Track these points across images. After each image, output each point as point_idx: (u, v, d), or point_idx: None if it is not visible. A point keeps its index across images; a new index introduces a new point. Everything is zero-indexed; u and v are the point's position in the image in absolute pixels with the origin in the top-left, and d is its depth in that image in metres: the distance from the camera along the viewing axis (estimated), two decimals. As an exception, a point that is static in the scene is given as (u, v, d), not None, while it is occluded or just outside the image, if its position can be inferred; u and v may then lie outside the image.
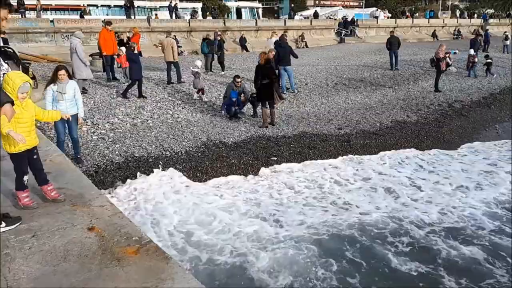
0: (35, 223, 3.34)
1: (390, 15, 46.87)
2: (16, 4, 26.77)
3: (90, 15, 31.42)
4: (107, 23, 13.38)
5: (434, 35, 38.06)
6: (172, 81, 13.20)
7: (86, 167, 6.96)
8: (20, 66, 9.46)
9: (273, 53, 11.31)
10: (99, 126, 8.95)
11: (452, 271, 4.73)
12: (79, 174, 4.68)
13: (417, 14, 51.14)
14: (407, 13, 48.20)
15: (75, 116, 6.66)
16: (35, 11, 25.19)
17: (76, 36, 10.94)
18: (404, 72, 17.71)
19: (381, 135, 9.73)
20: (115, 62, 13.69)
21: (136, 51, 11.46)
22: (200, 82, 11.99)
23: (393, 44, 17.94)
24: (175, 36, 24.29)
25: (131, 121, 9.51)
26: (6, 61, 10.27)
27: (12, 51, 9.62)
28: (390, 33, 19.38)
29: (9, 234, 3.16)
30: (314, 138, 9.29)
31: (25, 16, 23.88)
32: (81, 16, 27.28)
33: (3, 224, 3.26)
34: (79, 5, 32.99)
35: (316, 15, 40.79)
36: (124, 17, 27.27)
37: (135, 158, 7.56)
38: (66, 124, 6.66)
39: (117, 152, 7.71)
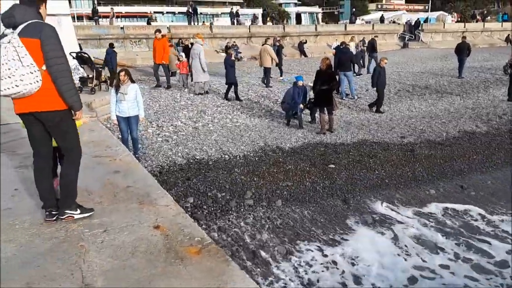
0: (106, 219, 3.55)
1: (458, 18, 44.33)
2: (90, 12, 28.95)
3: (156, 21, 33.05)
4: (156, 31, 13.18)
5: (508, 40, 35.43)
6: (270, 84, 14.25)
7: (151, 167, 7.30)
8: (94, 70, 10.18)
9: (385, 61, 11.66)
10: (163, 129, 9.36)
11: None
12: (145, 173, 4.91)
13: (488, 17, 47.91)
14: (478, 17, 45.35)
15: (136, 117, 7.06)
16: (108, 19, 26.97)
17: (199, 43, 12.22)
18: (473, 79, 16.68)
19: (448, 146, 9.21)
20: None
21: (233, 58, 12.39)
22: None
23: (460, 50, 16.95)
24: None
25: (193, 125, 9.85)
26: (82, 66, 11.13)
27: (87, 56, 10.38)
28: (462, 38, 18.32)
29: (83, 228, 3.39)
30: (375, 146, 9.01)
31: (98, 24, 25.64)
32: (148, 23, 28.75)
33: (78, 211, 3.52)
34: (146, 12, 34.86)
35: (382, 20, 39.71)
36: (187, 23, 28.38)
37: (196, 160, 7.80)
38: (126, 125, 7.05)
39: (179, 154, 8.01)
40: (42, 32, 3.01)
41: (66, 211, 3.45)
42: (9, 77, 2.91)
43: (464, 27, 36.71)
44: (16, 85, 2.94)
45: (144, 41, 23.29)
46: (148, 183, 4.46)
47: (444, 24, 38.47)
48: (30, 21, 3.00)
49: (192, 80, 12.69)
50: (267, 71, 14.34)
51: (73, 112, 3.26)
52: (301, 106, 10.24)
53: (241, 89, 13.28)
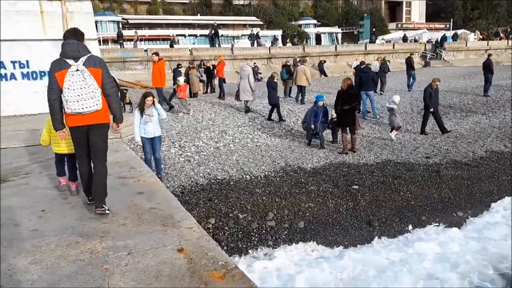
0: (131, 241, 3.55)
1: (481, 36, 43.74)
2: (116, 36, 29.91)
3: (179, 44, 33.84)
4: (153, 53, 12.62)
5: (534, 57, 34.68)
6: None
7: (173, 187, 7.33)
8: (119, 92, 10.44)
9: (437, 83, 11.46)
10: (186, 149, 9.44)
11: None
12: (169, 195, 4.92)
13: (512, 35, 47.12)
14: (501, 34, 44.65)
15: (160, 137, 7.29)
16: (133, 42, 27.77)
17: (248, 65, 13.59)
18: (498, 97, 16.28)
19: (475, 166, 8.95)
20: (197, 90, 14.35)
21: (275, 80, 12.81)
22: (397, 119, 11.05)
23: (485, 67, 16.68)
24: (255, 63, 25.16)
25: (214, 145, 9.90)
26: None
27: (112, 78, 10.64)
28: (487, 56, 18.02)
29: (108, 250, 3.39)
30: (399, 167, 8.83)
31: (123, 47, 26.42)
32: (171, 46, 29.44)
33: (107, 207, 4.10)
34: (169, 35, 35.74)
35: (405, 39, 39.59)
36: (209, 45, 28.93)
37: (217, 180, 7.80)
38: (150, 145, 7.16)
39: (201, 174, 8.03)
40: (102, 63, 3.95)
41: (104, 206, 4.08)
42: (91, 98, 3.79)
43: (488, 45, 36.19)
44: (96, 104, 3.83)
45: (167, 63, 23.78)
46: (171, 205, 4.46)
47: (466, 42, 38.03)
48: (89, 55, 3.86)
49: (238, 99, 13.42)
50: (302, 89, 14.99)
51: (115, 123, 4.18)
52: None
53: (261, 109, 13.34)
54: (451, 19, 47.75)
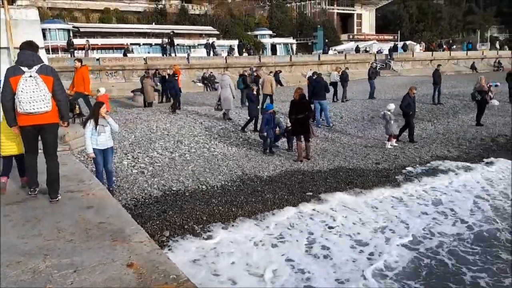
0: (77, 258, 3.41)
1: (425, 48, 46.37)
2: (66, 44, 28.84)
3: (133, 53, 33.14)
4: (75, 59, 12.29)
5: (473, 67, 37.23)
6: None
7: (125, 200, 7.13)
8: (68, 103, 10.03)
9: (414, 91, 11.84)
10: (139, 160, 9.22)
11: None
12: (119, 208, 4.79)
13: (454, 46, 50.36)
14: (444, 46, 47.58)
15: (112, 148, 7.11)
16: (84, 51, 26.89)
17: (227, 75, 14.11)
18: (442, 105, 17.29)
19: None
20: (152, 99, 14.08)
21: (255, 92, 12.89)
22: (393, 127, 11.16)
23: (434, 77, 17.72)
24: (211, 72, 25.15)
25: (169, 155, 9.75)
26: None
27: (62, 86, 10.20)
28: (437, 66, 19.10)
29: (52, 269, 3.24)
30: (350, 173, 9.12)
31: (73, 56, 25.51)
32: (125, 55, 28.80)
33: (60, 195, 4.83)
34: (123, 44, 34.92)
35: (358, 50, 41.17)
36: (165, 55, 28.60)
37: (172, 191, 7.69)
38: (102, 157, 6.95)
39: (155, 186, 7.87)
40: (53, 72, 4.57)
41: (58, 195, 4.78)
42: (42, 100, 4.40)
43: (432, 55, 38.41)
44: (46, 106, 4.44)
45: (120, 73, 23.28)
46: (122, 219, 4.34)
47: (413, 53, 40.15)
48: (42, 64, 4.48)
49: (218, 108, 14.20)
50: (267, 97, 15.35)
51: (62, 122, 4.83)
52: (277, 131, 10.43)
53: (218, 119, 13.33)
54: (399, 31, 50.20)
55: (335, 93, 18.53)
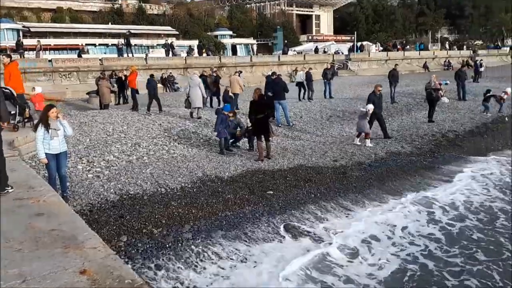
0: (26, 268, 3.27)
1: (381, 48, 48.07)
2: (14, 45, 27.46)
3: (88, 53, 32.09)
4: (3, 55, 11.57)
5: (425, 66, 38.98)
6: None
7: (80, 206, 6.90)
8: (17, 107, 9.59)
9: (379, 88, 12.11)
10: (95, 164, 8.95)
11: None
12: (72, 214, 4.64)
13: (408, 46, 52.56)
14: (398, 46, 49.52)
15: (65, 153, 6.88)
16: (35, 51, 25.71)
17: (196, 75, 14.96)
18: (397, 103, 17.98)
19: (377, 167, 9.75)
20: (108, 101, 13.78)
21: (230, 93, 13.24)
22: (367, 125, 11.42)
23: (393, 76, 18.38)
24: (171, 73, 24.80)
25: (126, 158, 9.53)
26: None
27: (9, 91, 9.76)
28: (394, 66, 19.82)
29: (-2, 280, 3.09)
30: (310, 171, 9.29)
31: (23, 57, 24.34)
32: (79, 55, 27.82)
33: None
34: (77, 45, 33.74)
35: (316, 50, 42.00)
36: (124, 55, 27.90)
37: (130, 195, 7.51)
38: (56, 162, 6.71)
39: (112, 190, 7.66)
40: None
41: (6, 188, 5.03)
42: None
43: (387, 55, 39.84)
44: None
45: (75, 74, 22.47)
46: (75, 225, 4.20)
47: (369, 53, 41.47)
48: None
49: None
50: (236, 96, 15.64)
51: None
52: (238, 132, 10.50)
53: (178, 119, 13.18)
54: (355, 32, 51.72)
55: (304, 93, 18.97)
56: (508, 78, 26.27)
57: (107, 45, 36.88)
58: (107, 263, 3.37)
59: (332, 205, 7.72)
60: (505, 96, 16.36)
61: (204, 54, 33.16)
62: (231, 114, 10.43)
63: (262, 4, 65.17)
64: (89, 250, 3.60)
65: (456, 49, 52.93)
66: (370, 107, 11.44)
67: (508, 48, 58.35)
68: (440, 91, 16.50)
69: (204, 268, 5.57)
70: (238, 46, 44.12)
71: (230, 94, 13.82)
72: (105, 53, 34.03)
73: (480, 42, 64.35)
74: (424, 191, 8.56)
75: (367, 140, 11.53)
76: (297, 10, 67.56)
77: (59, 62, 22.76)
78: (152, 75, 16.64)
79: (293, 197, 7.88)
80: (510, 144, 12.24)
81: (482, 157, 10.95)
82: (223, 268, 5.62)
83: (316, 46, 45.28)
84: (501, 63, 47.52)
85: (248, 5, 63.23)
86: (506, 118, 15.54)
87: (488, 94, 16.41)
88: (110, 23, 44.44)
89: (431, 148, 11.54)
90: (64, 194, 7.01)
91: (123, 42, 28.82)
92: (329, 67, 21.92)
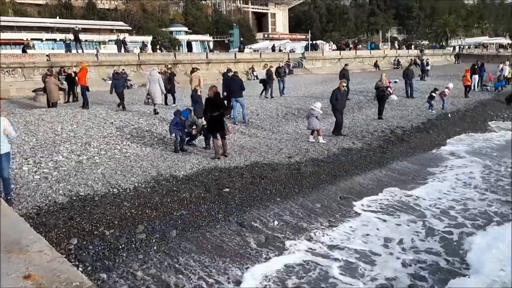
0: (-37, 276, 3.10)
1: (335, 47, 49.35)
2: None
3: (34, 49, 30.47)
4: None
5: (376, 65, 40.49)
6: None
7: (26, 209, 6.58)
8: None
9: (343, 84, 12.61)
10: (42, 165, 8.54)
11: None
12: (16, 218, 4.44)
13: (359, 46, 54.33)
14: (351, 45, 51.08)
15: (8, 154, 6.56)
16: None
17: (156, 71, 14.73)
18: (349, 100, 18.54)
19: (330, 162, 10.04)
20: (56, 99, 13.22)
21: (199, 93, 12.72)
22: (314, 122, 11.62)
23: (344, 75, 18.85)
24: (123, 69, 24.11)
25: (76, 158, 9.18)
26: None
27: None
28: (344, 65, 20.32)
29: None
30: (265, 167, 9.40)
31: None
32: (24, 51, 26.31)
33: None
34: (22, 39, 31.92)
35: (273, 49, 42.37)
36: (73, 51, 26.74)
37: (80, 197, 7.25)
38: None
39: (61, 192, 7.36)
40: None
41: None
42: None
43: (340, 54, 40.97)
44: None
45: (19, 70, 21.28)
46: (18, 229, 4.02)
47: (323, 52, 42.44)
48: None
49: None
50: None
51: None
52: (194, 130, 10.42)
53: (131, 117, 12.86)
54: (310, 31, 52.75)
55: (264, 90, 19.09)
56: (451, 76, 27.95)
57: (55, 40, 35.17)
58: (54, 267, 3.27)
59: (288, 201, 7.86)
60: (447, 91, 17.59)
61: (158, 51, 32.50)
62: (188, 123, 10.41)
63: (217, 0, 64.79)
64: (34, 254, 3.47)
65: (405, 48, 55.43)
66: (318, 105, 11.77)
67: (451, 48, 62.03)
68: (389, 89, 17.26)
69: (159, 268, 5.51)
70: (193, 43, 43.63)
71: (199, 93, 13.57)
72: (52, 48, 32.45)
73: (426, 42, 67.75)
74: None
75: (319, 136, 11.83)
76: (253, 8, 67.83)
77: (1, 58, 21.43)
78: (117, 72, 16.43)
79: (249, 194, 7.95)
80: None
81: (427, 152, 11.59)
82: (179, 265, 5.58)
83: (273, 45, 45.74)
84: (445, 62, 50.46)
85: (203, 1, 62.61)
86: (449, 115, 16.57)
87: (433, 94, 17.36)
88: (58, 17, 42.38)
89: (380, 144, 12.03)
90: (7, 197, 6.67)
91: (70, 37, 27.61)
92: (281, 65, 22.20)
